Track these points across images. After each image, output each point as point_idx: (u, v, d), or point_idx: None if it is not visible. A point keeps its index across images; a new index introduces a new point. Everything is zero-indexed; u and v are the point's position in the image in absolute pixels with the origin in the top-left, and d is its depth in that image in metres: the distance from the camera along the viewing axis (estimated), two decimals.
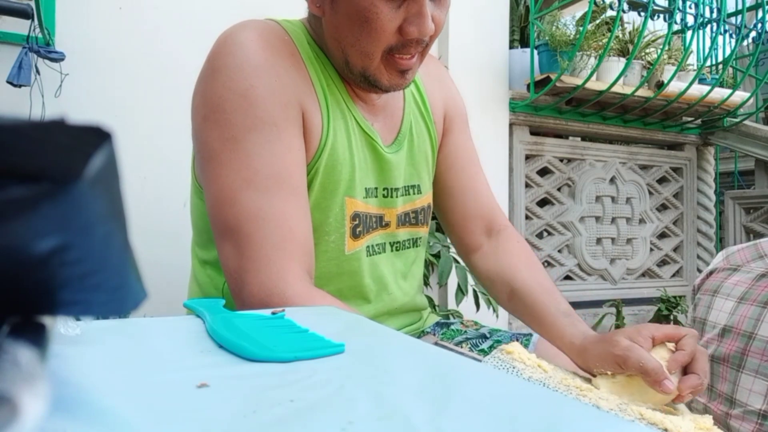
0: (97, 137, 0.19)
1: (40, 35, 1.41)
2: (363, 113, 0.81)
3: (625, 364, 0.66)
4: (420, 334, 0.93)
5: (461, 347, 0.87)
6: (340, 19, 0.72)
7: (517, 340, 0.88)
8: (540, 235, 2.39)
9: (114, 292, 0.21)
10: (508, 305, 0.91)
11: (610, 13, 2.37)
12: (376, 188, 0.83)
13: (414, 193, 0.88)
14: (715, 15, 2.43)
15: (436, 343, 0.78)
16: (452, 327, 0.94)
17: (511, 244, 0.93)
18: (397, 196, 0.85)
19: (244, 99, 0.70)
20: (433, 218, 1.79)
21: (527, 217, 2.32)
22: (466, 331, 0.92)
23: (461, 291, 1.65)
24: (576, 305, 0.86)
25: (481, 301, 1.71)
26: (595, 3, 2.11)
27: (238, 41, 0.72)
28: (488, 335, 0.91)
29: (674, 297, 2.43)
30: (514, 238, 0.94)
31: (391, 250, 0.86)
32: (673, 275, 2.70)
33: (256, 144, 0.69)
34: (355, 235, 0.80)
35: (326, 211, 0.77)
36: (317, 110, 0.75)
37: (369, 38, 0.71)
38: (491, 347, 0.86)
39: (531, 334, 0.91)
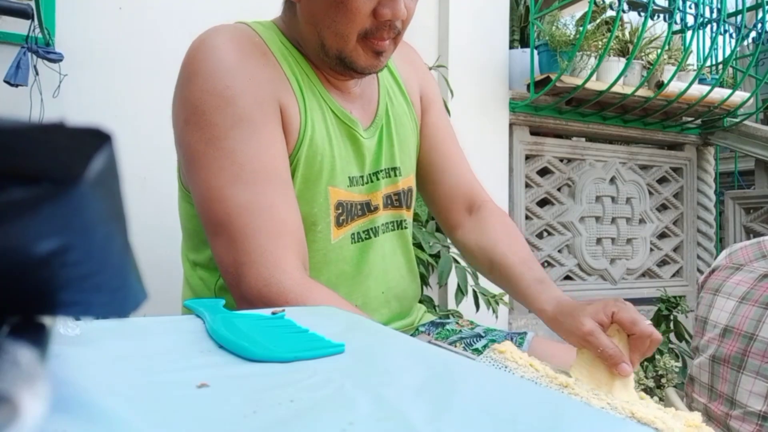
0: (96, 139, 0.19)
1: (40, 35, 1.41)
2: (340, 103, 0.83)
3: (586, 345, 0.71)
4: (414, 332, 0.94)
5: (455, 346, 0.88)
6: (315, 3, 0.75)
7: (512, 340, 0.88)
8: (540, 235, 2.38)
9: (114, 293, 0.21)
10: (489, 276, 0.95)
11: (610, 13, 2.37)
12: (362, 176, 0.85)
13: (395, 176, 0.89)
14: (715, 15, 2.43)
15: (429, 342, 0.78)
16: (447, 326, 0.94)
17: (492, 218, 0.96)
18: (380, 179, 0.87)
19: (221, 99, 0.71)
20: (434, 218, 1.79)
21: (527, 217, 2.32)
22: (461, 331, 0.93)
23: (461, 291, 1.65)
24: None
25: (481, 302, 1.71)
26: (595, 3, 2.11)
27: (211, 46, 0.74)
28: (483, 334, 0.91)
29: (674, 297, 2.43)
30: (494, 212, 0.98)
31: (376, 236, 0.87)
32: (673, 275, 2.69)
33: (238, 141, 0.71)
34: (338, 224, 0.82)
35: (311, 202, 0.79)
36: (294, 104, 0.77)
37: (344, 20, 0.73)
38: (485, 346, 0.86)
39: (525, 333, 0.92)
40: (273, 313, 0.48)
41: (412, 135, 0.94)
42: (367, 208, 0.85)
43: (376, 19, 0.73)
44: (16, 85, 1.37)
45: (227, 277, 0.71)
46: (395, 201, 0.91)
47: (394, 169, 0.89)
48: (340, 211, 0.81)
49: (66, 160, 0.19)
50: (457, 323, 0.96)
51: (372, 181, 0.86)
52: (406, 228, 0.94)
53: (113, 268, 0.21)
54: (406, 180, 0.92)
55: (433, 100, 1.00)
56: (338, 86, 0.84)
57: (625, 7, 2.19)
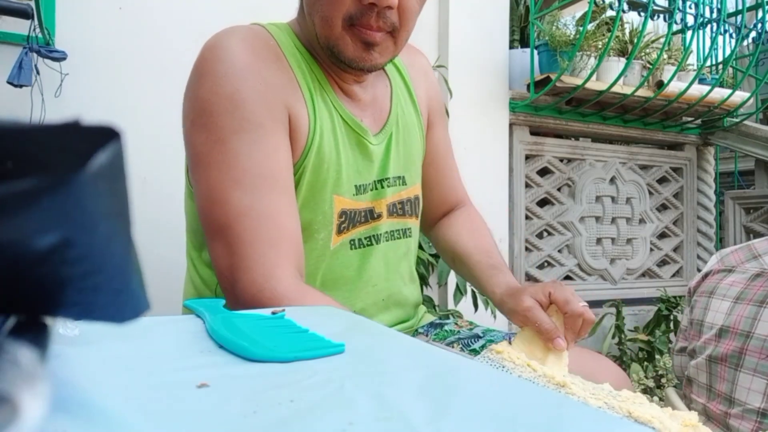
0: (104, 135, 0.19)
1: (40, 35, 1.41)
2: (351, 110, 0.82)
3: (526, 321, 0.75)
4: (414, 334, 0.94)
5: (452, 347, 0.88)
6: None
7: (509, 340, 0.88)
8: (540, 235, 2.38)
9: (115, 295, 0.21)
10: (454, 267, 1.02)
11: (610, 13, 2.37)
12: (368, 183, 0.84)
13: (400, 184, 0.89)
14: (715, 15, 2.43)
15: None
16: (445, 327, 0.94)
17: (460, 215, 1.02)
18: (386, 187, 0.87)
19: (230, 102, 0.71)
20: None
21: (527, 217, 2.32)
22: (459, 331, 0.93)
23: (460, 291, 1.65)
24: None
25: (479, 302, 1.71)
26: (595, 3, 2.11)
27: (224, 47, 0.74)
28: (481, 335, 0.91)
29: (674, 297, 2.43)
30: (465, 211, 1.03)
31: (378, 242, 0.87)
32: (673, 275, 2.69)
33: (244, 145, 0.71)
34: (339, 231, 0.82)
35: (315, 210, 0.79)
36: (304, 111, 0.76)
37: (327, 3, 0.73)
38: (483, 347, 0.86)
39: None
40: (273, 313, 0.48)
41: (419, 144, 0.94)
42: (370, 216, 0.85)
43: (359, 1, 0.71)
44: (20, 86, 1.37)
45: (222, 280, 0.71)
46: (400, 209, 0.90)
47: (401, 177, 0.89)
48: (343, 219, 0.81)
49: (68, 153, 0.19)
50: (456, 324, 0.96)
51: (377, 189, 0.86)
52: (410, 236, 0.94)
53: (115, 268, 0.21)
54: (412, 189, 0.92)
55: (439, 114, 1.01)
56: (349, 93, 0.83)
57: (625, 7, 2.19)
